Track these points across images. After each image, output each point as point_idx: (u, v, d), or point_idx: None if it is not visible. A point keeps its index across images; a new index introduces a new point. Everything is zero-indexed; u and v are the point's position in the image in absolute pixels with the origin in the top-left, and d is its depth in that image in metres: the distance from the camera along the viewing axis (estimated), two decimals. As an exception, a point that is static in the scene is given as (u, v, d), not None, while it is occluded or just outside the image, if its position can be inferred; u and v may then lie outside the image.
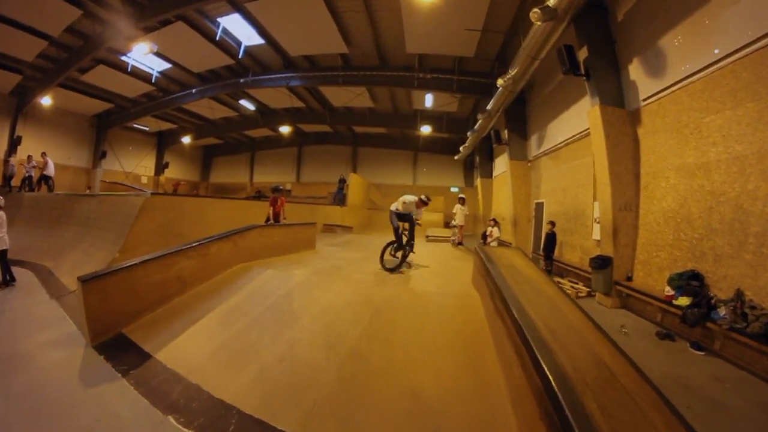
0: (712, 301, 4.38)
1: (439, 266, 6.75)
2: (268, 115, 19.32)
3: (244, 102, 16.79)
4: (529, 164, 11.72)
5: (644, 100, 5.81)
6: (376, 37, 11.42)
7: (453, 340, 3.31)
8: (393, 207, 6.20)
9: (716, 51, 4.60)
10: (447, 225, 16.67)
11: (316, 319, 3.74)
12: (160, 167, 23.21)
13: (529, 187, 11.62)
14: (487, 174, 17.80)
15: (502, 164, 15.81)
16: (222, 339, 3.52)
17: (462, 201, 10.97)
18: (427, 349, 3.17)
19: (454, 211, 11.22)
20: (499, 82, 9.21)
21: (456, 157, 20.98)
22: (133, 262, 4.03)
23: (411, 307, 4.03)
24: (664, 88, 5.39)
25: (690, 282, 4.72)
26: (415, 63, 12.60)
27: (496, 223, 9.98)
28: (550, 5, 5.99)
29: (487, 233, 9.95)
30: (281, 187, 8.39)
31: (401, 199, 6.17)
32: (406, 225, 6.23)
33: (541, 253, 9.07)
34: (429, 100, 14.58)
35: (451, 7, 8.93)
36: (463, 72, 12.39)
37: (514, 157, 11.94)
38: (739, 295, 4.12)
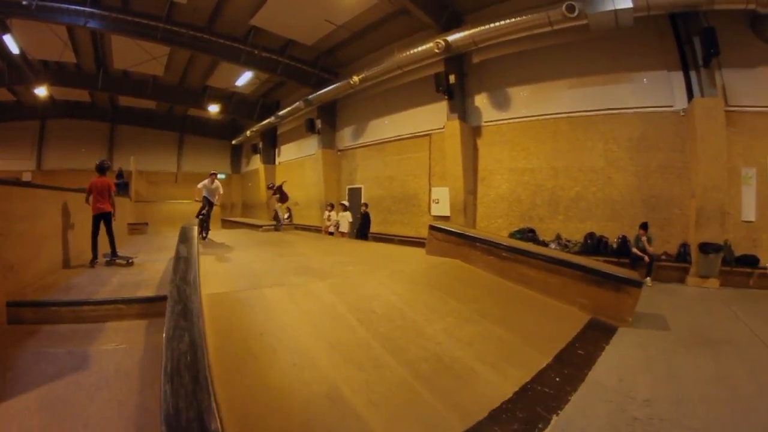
0: (545, 241, 8.10)
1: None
2: (18, 70, 12.55)
3: (7, 39, 10.40)
4: (339, 153, 13.65)
5: (486, 122, 9.06)
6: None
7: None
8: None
9: (548, 108, 8.19)
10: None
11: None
12: None
13: (339, 174, 13.57)
14: (270, 160, 18.49)
15: (290, 151, 17.22)
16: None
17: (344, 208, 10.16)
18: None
19: (336, 218, 10.04)
20: (354, 79, 10.32)
21: (234, 141, 20.90)
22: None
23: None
24: (505, 119, 8.76)
25: (528, 234, 8.33)
26: (243, 35, 11.22)
27: (333, 207, 10.27)
28: (450, 42, 7.91)
29: (325, 217, 10.31)
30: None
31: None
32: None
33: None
34: (245, 78, 13.05)
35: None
36: (291, 56, 12.01)
37: (326, 146, 13.52)
38: (558, 237, 7.97)
